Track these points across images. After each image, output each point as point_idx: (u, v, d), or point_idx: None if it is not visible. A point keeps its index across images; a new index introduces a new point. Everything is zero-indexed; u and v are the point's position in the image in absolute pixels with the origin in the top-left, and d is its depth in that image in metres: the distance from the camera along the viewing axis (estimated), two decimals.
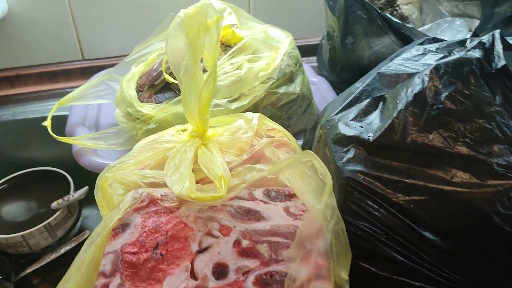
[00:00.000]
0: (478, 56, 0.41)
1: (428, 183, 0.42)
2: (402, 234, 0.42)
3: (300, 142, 0.79)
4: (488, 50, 0.41)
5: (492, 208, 0.39)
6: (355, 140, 0.46)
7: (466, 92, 0.41)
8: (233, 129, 0.59)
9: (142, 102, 0.74)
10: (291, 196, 0.49)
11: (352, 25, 0.68)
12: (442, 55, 0.57)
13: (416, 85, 0.44)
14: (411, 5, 0.74)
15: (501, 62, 0.39)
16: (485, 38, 0.42)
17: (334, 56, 0.73)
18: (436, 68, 0.43)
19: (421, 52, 0.58)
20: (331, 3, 0.68)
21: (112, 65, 1.02)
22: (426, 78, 0.43)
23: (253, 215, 0.47)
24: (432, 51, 0.58)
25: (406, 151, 0.43)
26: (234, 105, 0.72)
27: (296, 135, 0.85)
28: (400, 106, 0.44)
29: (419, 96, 0.43)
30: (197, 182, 0.52)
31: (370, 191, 0.44)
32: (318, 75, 0.98)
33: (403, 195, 0.42)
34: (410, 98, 0.44)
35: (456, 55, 0.43)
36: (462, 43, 0.60)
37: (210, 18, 0.53)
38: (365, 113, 0.48)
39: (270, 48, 0.77)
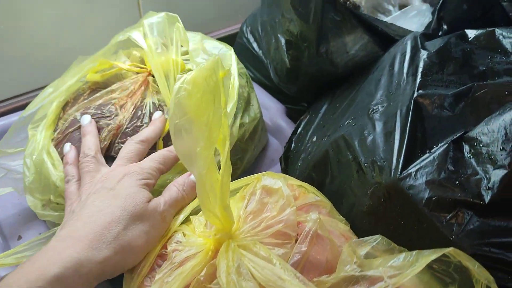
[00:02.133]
0: None
1: None
2: None
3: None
4: None
5: None
6: (461, 203, 0.38)
7: None
8: (255, 207, 0.45)
9: None
10: None
11: (325, 31, 0.57)
12: (459, 59, 0.51)
13: None
14: None
15: None
16: None
17: (298, 66, 0.61)
18: None
19: (439, 60, 0.51)
20: (300, 9, 0.55)
21: None
22: None
23: None
24: (448, 56, 0.51)
25: None
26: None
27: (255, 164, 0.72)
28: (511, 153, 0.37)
29: None
30: None
31: (503, 262, 0.36)
32: None
33: None
34: None
35: None
36: (462, 36, 0.54)
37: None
38: (452, 165, 0.39)
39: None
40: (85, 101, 0.58)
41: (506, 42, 0.51)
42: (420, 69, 0.49)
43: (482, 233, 0.37)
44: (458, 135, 0.41)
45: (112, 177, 0.46)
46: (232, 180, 0.63)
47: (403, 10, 0.65)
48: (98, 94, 0.57)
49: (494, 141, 0.38)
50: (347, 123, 0.53)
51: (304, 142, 0.62)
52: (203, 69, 0.35)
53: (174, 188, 0.48)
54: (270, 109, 0.79)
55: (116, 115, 0.56)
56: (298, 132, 0.67)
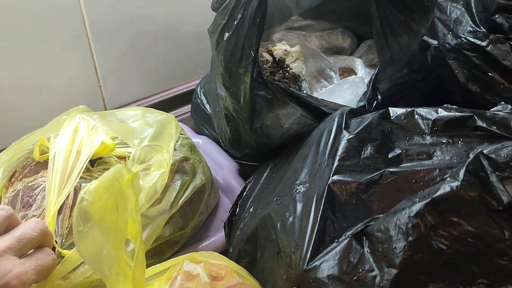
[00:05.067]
0: (478, 193, 0.37)
1: None
2: None
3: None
4: (483, 181, 0.37)
5: None
6: None
7: (475, 231, 0.37)
8: None
9: None
10: None
11: (259, 108, 0.59)
12: (377, 141, 0.53)
13: (413, 226, 0.38)
14: (298, 61, 0.69)
15: (506, 198, 0.36)
16: (472, 164, 0.38)
17: (238, 137, 0.64)
18: (433, 205, 0.38)
19: (357, 143, 0.53)
20: (232, 89, 0.57)
21: None
22: (424, 217, 0.38)
23: None
24: (367, 138, 0.53)
25: None
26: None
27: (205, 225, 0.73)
28: (401, 253, 0.39)
29: (422, 242, 0.38)
30: None
31: None
32: (199, 134, 0.88)
33: None
34: (412, 243, 0.38)
35: (448, 187, 0.38)
36: (384, 116, 0.57)
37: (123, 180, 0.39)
38: (353, 258, 0.41)
39: (156, 149, 0.63)
40: (28, 177, 0.60)
41: (423, 123, 0.53)
42: (339, 152, 0.51)
43: None
44: (360, 228, 0.43)
45: None
46: (169, 253, 0.65)
47: (338, 82, 0.68)
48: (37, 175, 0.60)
49: (388, 240, 0.40)
50: (275, 200, 0.55)
51: (245, 210, 0.64)
52: (104, 180, 0.37)
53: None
54: (224, 167, 0.81)
55: None
56: (243, 196, 0.69)
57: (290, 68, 0.68)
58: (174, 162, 0.63)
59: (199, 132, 0.87)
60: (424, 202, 0.39)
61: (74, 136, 0.59)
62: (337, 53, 0.85)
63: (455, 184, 0.38)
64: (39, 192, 0.59)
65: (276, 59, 0.68)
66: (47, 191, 0.53)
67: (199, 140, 0.85)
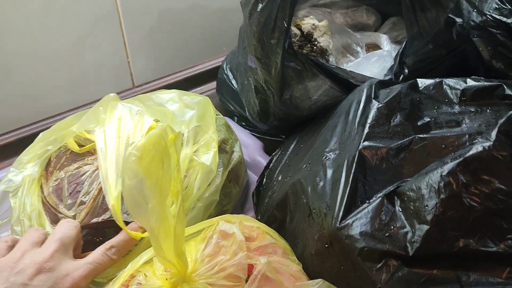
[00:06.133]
0: (510, 152, 0.38)
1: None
2: None
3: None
4: None
5: None
6: (390, 255, 0.41)
7: (506, 189, 0.39)
8: (212, 250, 0.49)
9: None
10: None
11: (289, 80, 0.61)
12: (406, 110, 0.54)
13: (445, 184, 0.40)
14: (326, 35, 0.70)
15: None
16: (504, 125, 0.39)
17: (267, 108, 0.66)
18: (465, 164, 0.40)
19: (387, 111, 0.54)
20: (263, 60, 0.59)
21: None
22: (456, 176, 0.40)
23: None
24: (396, 107, 0.55)
25: (450, 257, 0.40)
26: (188, 216, 0.59)
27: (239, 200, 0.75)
28: (433, 210, 0.40)
29: (454, 199, 0.40)
30: None
31: None
32: (223, 109, 0.89)
33: None
34: (444, 202, 0.40)
35: (480, 146, 0.40)
36: (413, 86, 0.58)
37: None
38: (384, 216, 0.43)
39: (204, 129, 0.64)
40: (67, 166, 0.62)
41: (451, 93, 0.54)
42: (369, 120, 0.53)
43: (408, 281, 0.41)
44: (391, 189, 0.44)
45: None
46: None
47: (365, 56, 0.69)
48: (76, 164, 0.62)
49: (420, 198, 0.42)
50: (305, 167, 0.57)
51: (273, 179, 0.66)
52: (152, 136, 0.39)
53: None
54: (248, 146, 0.82)
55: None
56: (269, 167, 0.71)
57: (318, 42, 0.69)
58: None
59: (223, 107, 0.89)
60: (457, 161, 0.40)
61: (120, 124, 0.59)
62: (361, 30, 0.85)
63: (487, 144, 0.40)
64: (86, 179, 0.60)
65: (304, 33, 0.69)
66: (103, 179, 0.54)
67: None
